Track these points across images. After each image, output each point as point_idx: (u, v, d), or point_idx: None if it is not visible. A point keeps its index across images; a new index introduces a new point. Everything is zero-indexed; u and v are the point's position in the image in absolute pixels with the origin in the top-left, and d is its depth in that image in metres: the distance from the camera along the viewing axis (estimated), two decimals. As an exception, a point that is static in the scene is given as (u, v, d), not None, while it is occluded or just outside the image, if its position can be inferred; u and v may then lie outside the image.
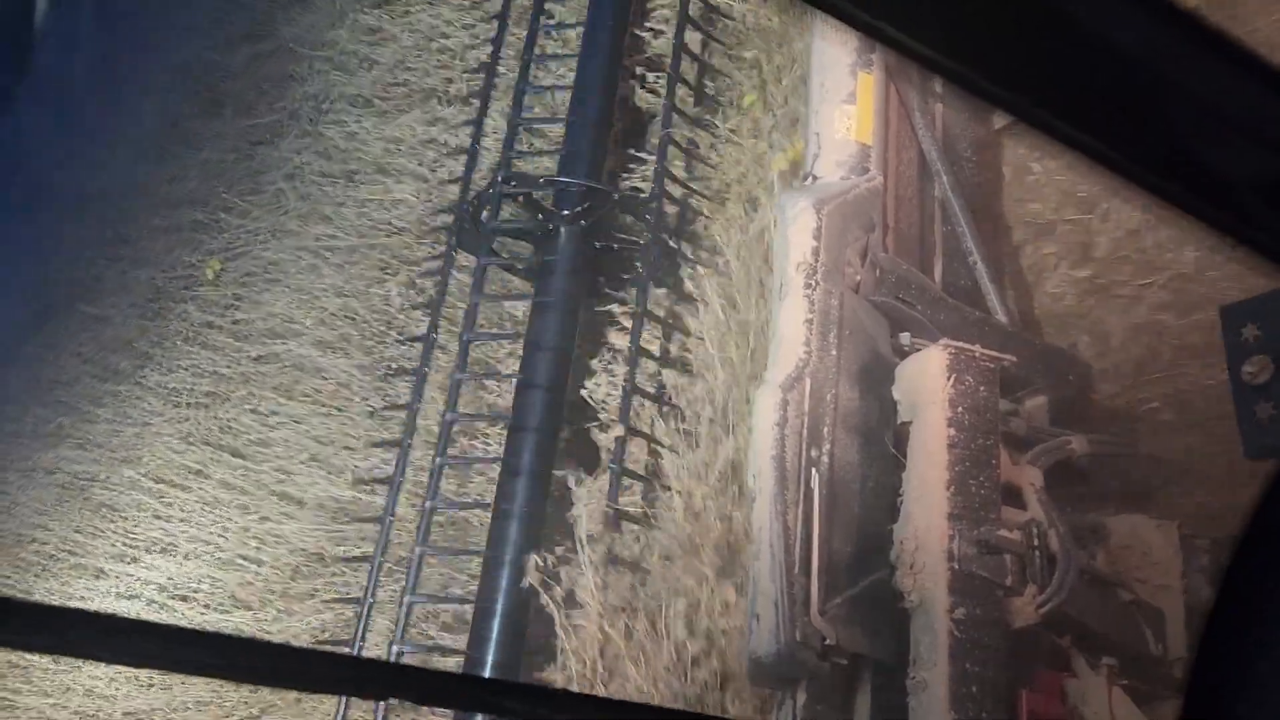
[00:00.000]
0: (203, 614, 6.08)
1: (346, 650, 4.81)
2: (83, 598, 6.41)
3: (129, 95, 7.97)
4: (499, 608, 4.43)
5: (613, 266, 5.08)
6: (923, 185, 4.42)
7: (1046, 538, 3.30)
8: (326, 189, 6.75)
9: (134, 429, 6.83)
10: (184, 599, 6.20)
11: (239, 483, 6.26)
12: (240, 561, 6.10)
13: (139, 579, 6.34)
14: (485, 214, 5.20)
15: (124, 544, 6.47)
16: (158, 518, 6.43)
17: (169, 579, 6.27)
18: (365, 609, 4.86)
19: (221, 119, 7.51)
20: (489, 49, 6.00)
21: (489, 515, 4.72)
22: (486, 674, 4.29)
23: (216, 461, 6.41)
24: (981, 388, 3.46)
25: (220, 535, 6.21)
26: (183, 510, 6.38)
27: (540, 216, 5.11)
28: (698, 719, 2.97)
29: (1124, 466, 3.99)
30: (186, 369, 6.81)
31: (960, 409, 3.40)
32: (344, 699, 4.53)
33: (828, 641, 3.28)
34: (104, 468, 6.78)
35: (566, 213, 5.02)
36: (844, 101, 4.21)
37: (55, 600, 6.44)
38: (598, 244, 5.04)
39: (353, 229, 6.52)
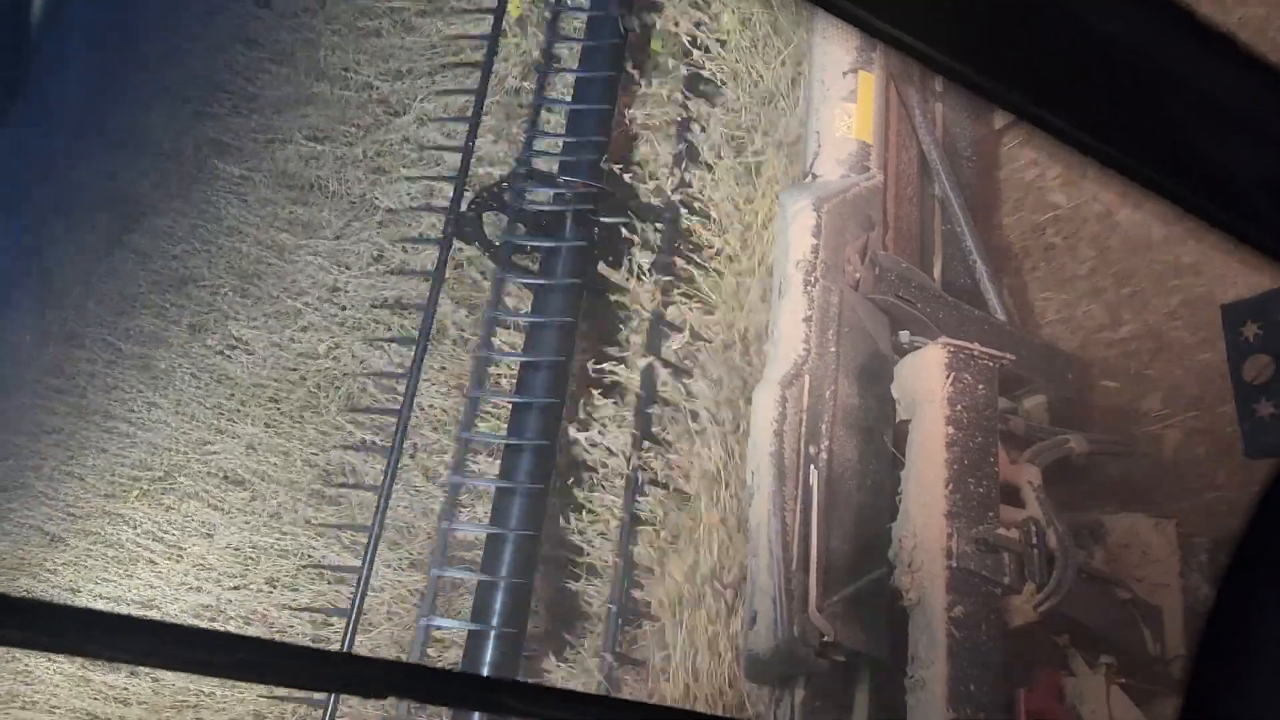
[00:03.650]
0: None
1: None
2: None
3: (122, 111, 7.98)
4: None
5: (614, 262, 5.07)
6: (922, 184, 4.42)
7: (1045, 536, 3.30)
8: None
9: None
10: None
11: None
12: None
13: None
14: (489, 215, 5.21)
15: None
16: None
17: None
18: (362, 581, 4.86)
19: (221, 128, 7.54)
20: (485, 50, 6.01)
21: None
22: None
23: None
24: (980, 386, 3.46)
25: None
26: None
27: (541, 217, 5.11)
28: (698, 718, 2.97)
29: (1123, 465, 3.99)
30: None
31: (959, 407, 3.40)
32: (334, 695, 4.54)
33: (826, 638, 3.29)
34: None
35: (564, 211, 5.02)
36: (844, 100, 4.21)
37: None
38: (598, 232, 5.03)
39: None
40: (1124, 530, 3.71)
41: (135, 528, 6.40)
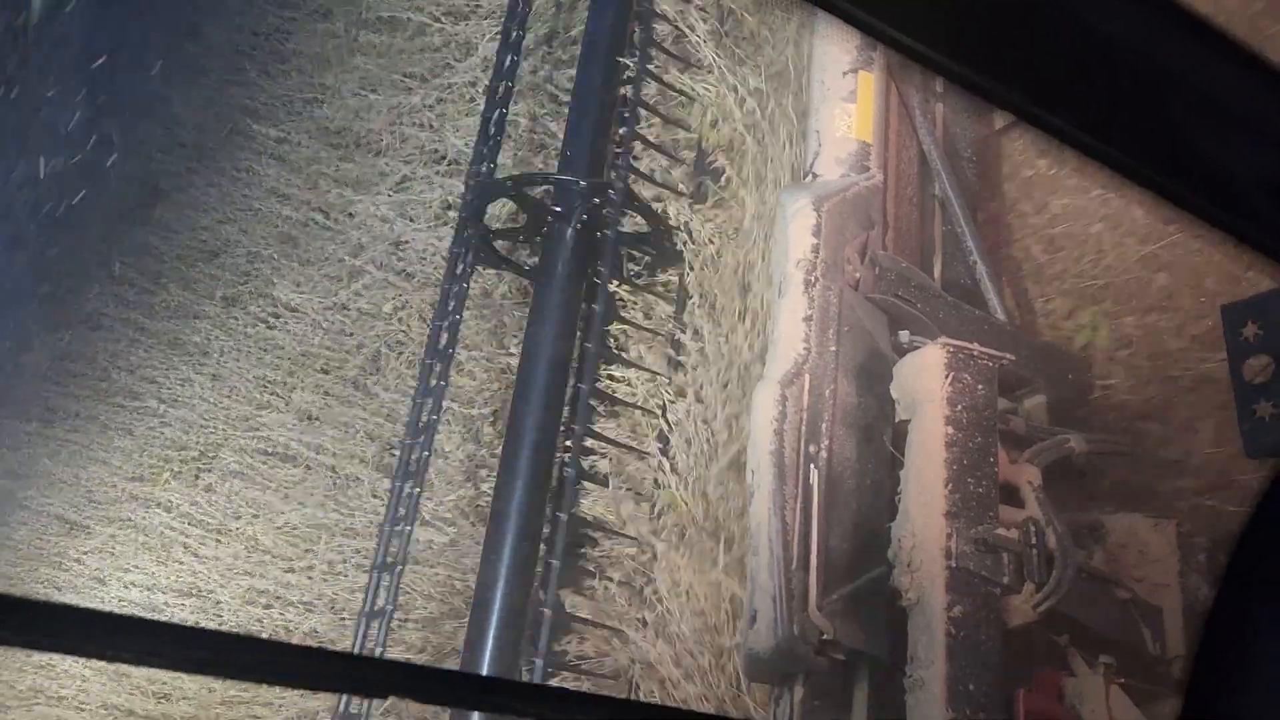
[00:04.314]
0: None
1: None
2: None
3: (140, 84, 7.77)
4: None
5: (613, 265, 5.06)
6: (923, 183, 4.42)
7: (1044, 536, 3.30)
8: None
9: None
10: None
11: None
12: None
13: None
14: (484, 215, 5.19)
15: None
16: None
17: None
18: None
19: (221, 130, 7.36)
20: (487, 50, 5.96)
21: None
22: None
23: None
24: (980, 386, 3.46)
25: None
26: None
27: (540, 216, 5.09)
28: (699, 718, 2.97)
29: (1122, 465, 3.99)
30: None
31: (958, 407, 3.40)
32: (345, 696, 4.52)
33: (826, 637, 3.29)
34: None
35: (562, 210, 5.01)
36: (844, 100, 4.22)
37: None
38: (599, 235, 5.02)
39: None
40: (1123, 530, 3.71)
41: (170, 511, 6.09)
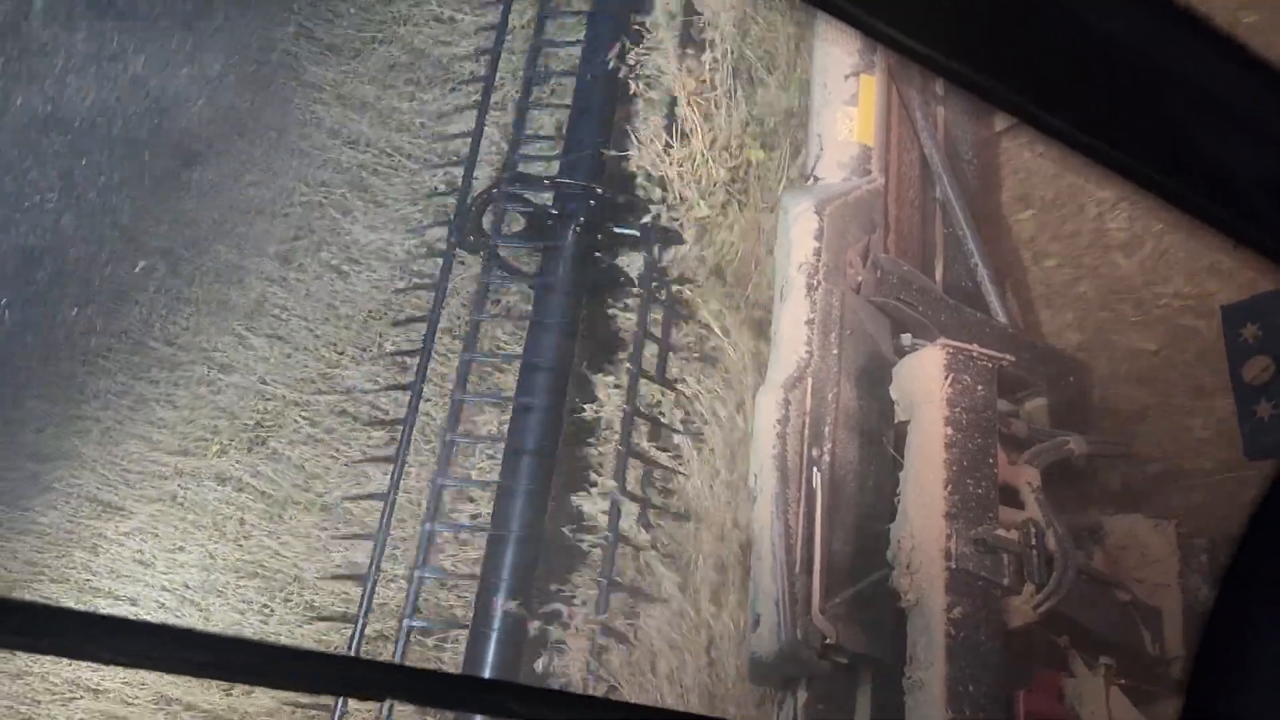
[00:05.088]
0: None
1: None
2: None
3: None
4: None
5: (613, 273, 5.05)
6: (924, 186, 4.42)
7: (1044, 537, 3.30)
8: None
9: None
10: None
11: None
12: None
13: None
14: (487, 218, 5.18)
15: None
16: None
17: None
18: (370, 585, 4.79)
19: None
20: (486, 53, 5.94)
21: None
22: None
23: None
24: (979, 387, 3.46)
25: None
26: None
27: (542, 219, 5.09)
28: (698, 719, 2.97)
29: (1122, 467, 3.99)
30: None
31: (958, 408, 3.40)
32: (341, 699, 4.49)
33: (829, 640, 3.29)
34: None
35: (564, 212, 5.01)
36: (846, 103, 4.22)
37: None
38: (600, 236, 5.02)
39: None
40: (1123, 531, 3.71)
41: (224, 484, 5.61)
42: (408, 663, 4.61)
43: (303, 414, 5.70)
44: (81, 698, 5.36)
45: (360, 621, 4.70)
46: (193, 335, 6.16)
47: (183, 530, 5.68)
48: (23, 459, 6.19)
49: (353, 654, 4.68)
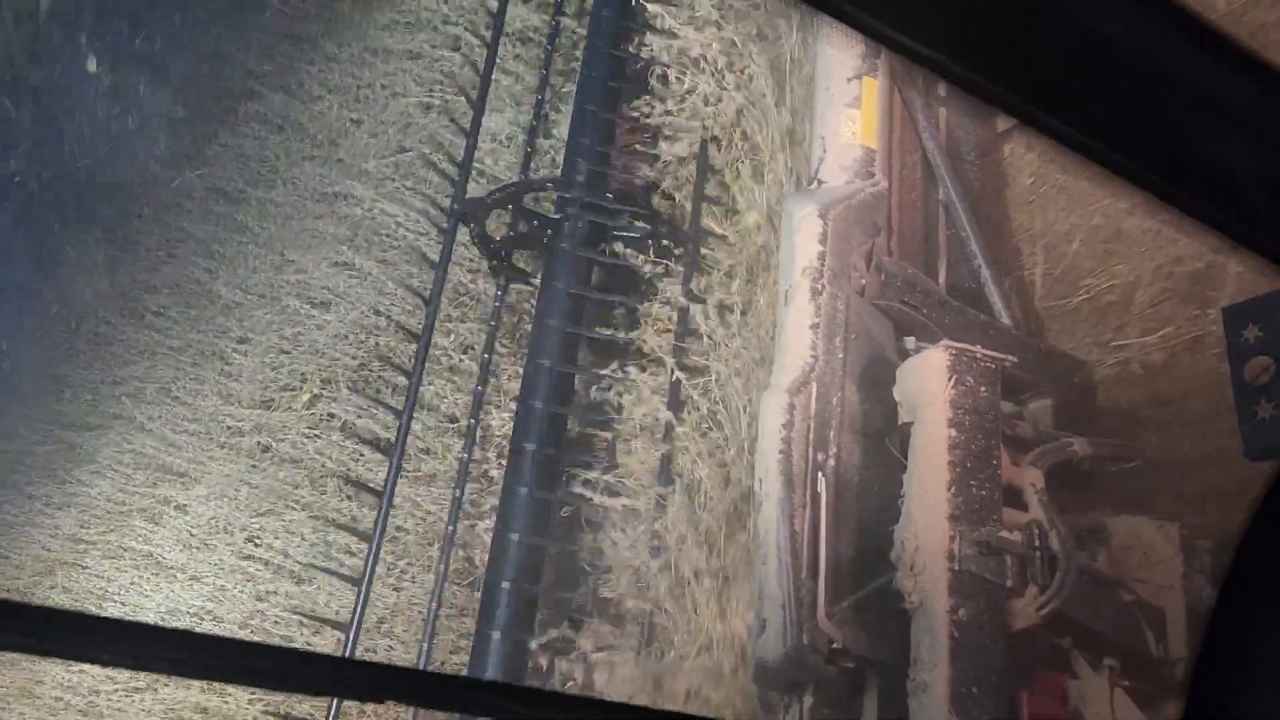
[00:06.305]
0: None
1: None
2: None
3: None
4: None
5: (616, 275, 5.05)
6: (927, 189, 4.42)
7: (1047, 539, 3.30)
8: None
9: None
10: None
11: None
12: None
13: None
14: (489, 222, 5.17)
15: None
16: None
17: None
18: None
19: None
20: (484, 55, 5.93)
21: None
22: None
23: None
24: (982, 388, 3.45)
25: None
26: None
27: (541, 223, 5.09)
28: (698, 719, 2.96)
29: (1125, 468, 3.99)
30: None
31: (961, 410, 3.39)
32: (336, 700, 4.47)
33: (835, 645, 3.28)
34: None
35: (563, 217, 5.01)
36: (849, 106, 4.22)
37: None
38: (600, 242, 5.02)
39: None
40: (1127, 532, 3.71)
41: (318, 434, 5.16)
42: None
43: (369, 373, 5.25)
44: (114, 691, 5.04)
45: (357, 624, 4.69)
46: (225, 317, 5.78)
47: (264, 492, 5.26)
48: (58, 428, 5.81)
49: (350, 657, 4.66)
